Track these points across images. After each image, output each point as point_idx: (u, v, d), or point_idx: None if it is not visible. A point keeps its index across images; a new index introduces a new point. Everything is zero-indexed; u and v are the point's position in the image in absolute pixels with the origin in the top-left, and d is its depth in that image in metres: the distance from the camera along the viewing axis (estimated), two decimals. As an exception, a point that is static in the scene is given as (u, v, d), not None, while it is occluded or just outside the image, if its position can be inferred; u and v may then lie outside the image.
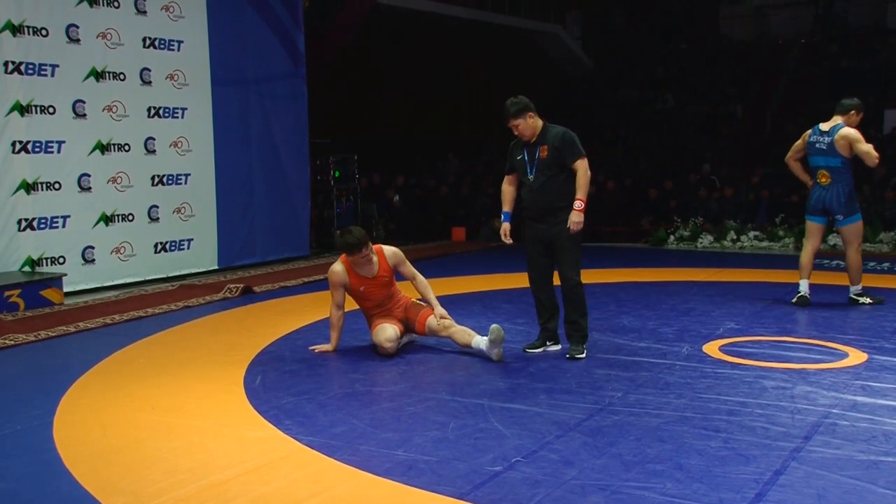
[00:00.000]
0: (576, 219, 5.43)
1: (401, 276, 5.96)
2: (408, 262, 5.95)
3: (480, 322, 6.66)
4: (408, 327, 5.91)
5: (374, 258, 5.77)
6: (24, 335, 6.53)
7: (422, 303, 5.98)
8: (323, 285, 8.96)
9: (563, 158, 5.46)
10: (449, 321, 5.81)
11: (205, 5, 9.75)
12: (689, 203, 13.69)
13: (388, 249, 5.92)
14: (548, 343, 5.76)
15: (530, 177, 5.55)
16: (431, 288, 5.96)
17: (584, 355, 5.52)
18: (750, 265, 10.10)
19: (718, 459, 3.69)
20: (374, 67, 16.90)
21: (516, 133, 5.56)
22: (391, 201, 14.12)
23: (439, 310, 5.84)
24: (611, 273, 9.05)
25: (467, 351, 5.70)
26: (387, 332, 5.69)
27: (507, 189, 5.83)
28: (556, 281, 5.72)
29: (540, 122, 5.56)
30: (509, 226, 5.77)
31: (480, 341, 5.59)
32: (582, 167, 5.45)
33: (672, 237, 12.48)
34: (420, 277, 5.92)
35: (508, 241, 5.76)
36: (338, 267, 5.77)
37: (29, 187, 8.23)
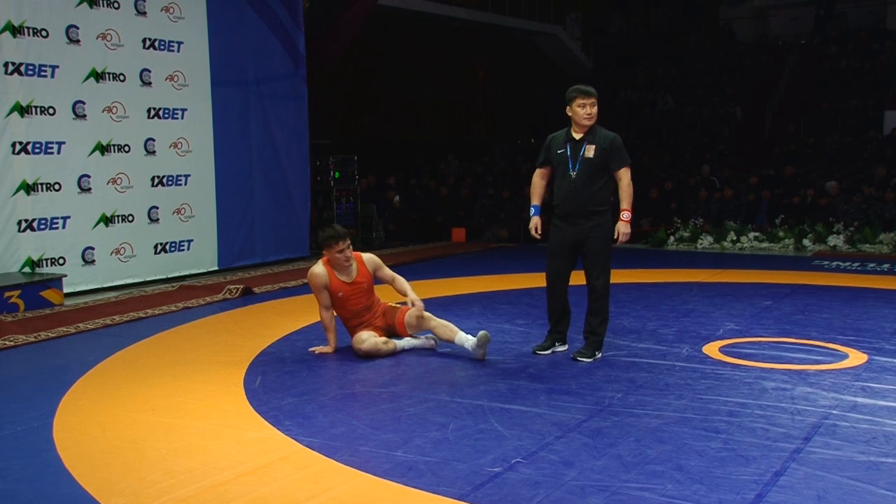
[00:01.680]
0: (625, 230, 5.40)
1: (378, 282, 5.94)
2: (385, 267, 5.96)
3: (480, 322, 6.67)
4: (389, 333, 5.87)
5: (354, 263, 5.75)
6: (24, 336, 6.53)
7: (398, 305, 5.96)
8: (323, 286, 8.97)
9: (608, 161, 5.41)
10: (421, 309, 5.77)
11: (205, 6, 9.76)
12: (689, 204, 13.70)
13: (367, 255, 5.90)
14: (556, 344, 5.75)
15: (573, 173, 5.45)
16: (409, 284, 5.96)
17: (590, 361, 5.51)
18: (750, 266, 10.10)
19: (718, 460, 3.69)
20: (374, 68, 16.90)
21: (585, 113, 5.41)
22: (392, 202, 14.13)
23: (412, 296, 5.80)
24: (611, 273, 9.03)
25: (467, 352, 5.70)
26: (360, 336, 5.71)
27: (538, 183, 5.74)
28: (576, 282, 5.71)
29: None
30: (539, 220, 5.71)
31: (465, 339, 5.59)
32: (626, 177, 5.40)
33: (672, 238, 12.49)
34: (399, 278, 5.94)
35: (537, 235, 5.71)
36: (318, 269, 5.71)
37: (29, 188, 8.23)
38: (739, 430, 4.08)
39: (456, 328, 5.71)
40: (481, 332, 5.51)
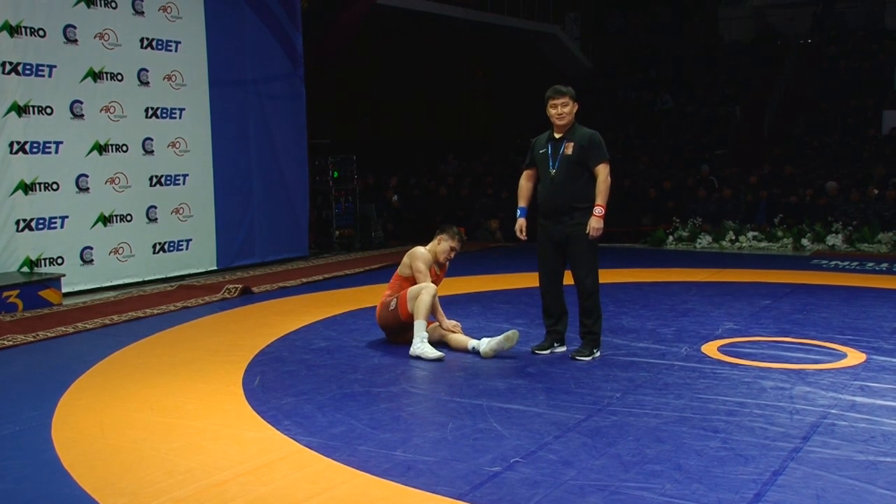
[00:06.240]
0: (595, 225, 5.40)
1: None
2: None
3: (479, 323, 6.67)
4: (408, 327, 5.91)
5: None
6: (23, 336, 6.52)
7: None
8: (321, 286, 8.97)
9: (587, 158, 5.44)
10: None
11: (202, 6, 9.75)
12: (687, 203, 13.70)
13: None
14: (555, 345, 5.75)
15: (552, 171, 5.51)
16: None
17: (588, 359, 5.51)
18: (749, 266, 10.10)
19: (717, 460, 3.69)
20: (374, 68, 16.90)
21: (556, 113, 5.48)
22: (391, 201, 14.12)
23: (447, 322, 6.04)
24: (610, 273, 9.03)
25: (466, 351, 5.71)
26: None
27: (525, 185, 5.79)
28: (566, 281, 5.71)
29: (574, 119, 5.55)
30: (525, 222, 5.75)
31: (478, 343, 5.65)
32: (603, 172, 5.43)
33: (671, 237, 12.49)
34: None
35: (523, 237, 5.74)
36: (424, 250, 6.00)
37: (27, 188, 8.22)
38: (738, 430, 4.08)
39: (467, 337, 5.81)
40: (513, 330, 5.62)
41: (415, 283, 5.91)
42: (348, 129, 15.94)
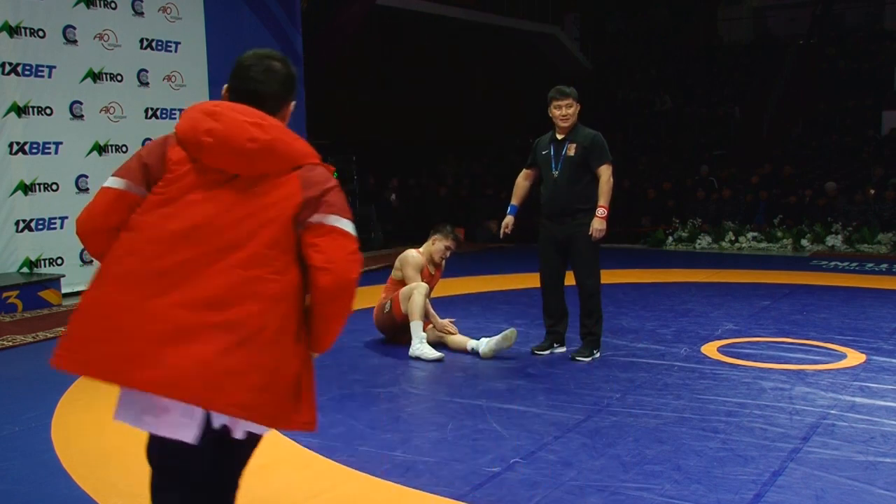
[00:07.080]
0: (598, 226, 5.41)
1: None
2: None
3: (479, 323, 6.66)
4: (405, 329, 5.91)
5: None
6: (23, 336, 6.52)
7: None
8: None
9: (590, 160, 5.44)
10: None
11: (202, 6, 9.76)
12: (687, 204, 13.71)
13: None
14: (555, 345, 5.76)
15: (555, 172, 5.51)
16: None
17: (588, 360, 5.52)
18: (748, 266, 10.10)
19: (717, 460, 3.69)
20: (372, 68, 16.89)
21: (560, 114, 5.46)
22: (390, 202, 14.12)
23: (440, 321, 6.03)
24: (609, 274, 9.00)
25: (465, 351, 5.71)
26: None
27: (521, 184, 5.81)
28: (567, 282, 5.71)
29: (577, 120, 5.54)
30: (513, 219, 5.77)
31: (477, 343, 5.65)
32: (606, 173, 5.43)
33: (670, 238, 12.50)
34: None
35: (507, 231, 5.74)
36: (416, 253, 6.04)
37: (26, 188, 8.22)
38: (738, 430, 4.08)
39: (466, 337, 5.82)
40: (511, 329, 5.63)
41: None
42: (348, 129, 15.92)
